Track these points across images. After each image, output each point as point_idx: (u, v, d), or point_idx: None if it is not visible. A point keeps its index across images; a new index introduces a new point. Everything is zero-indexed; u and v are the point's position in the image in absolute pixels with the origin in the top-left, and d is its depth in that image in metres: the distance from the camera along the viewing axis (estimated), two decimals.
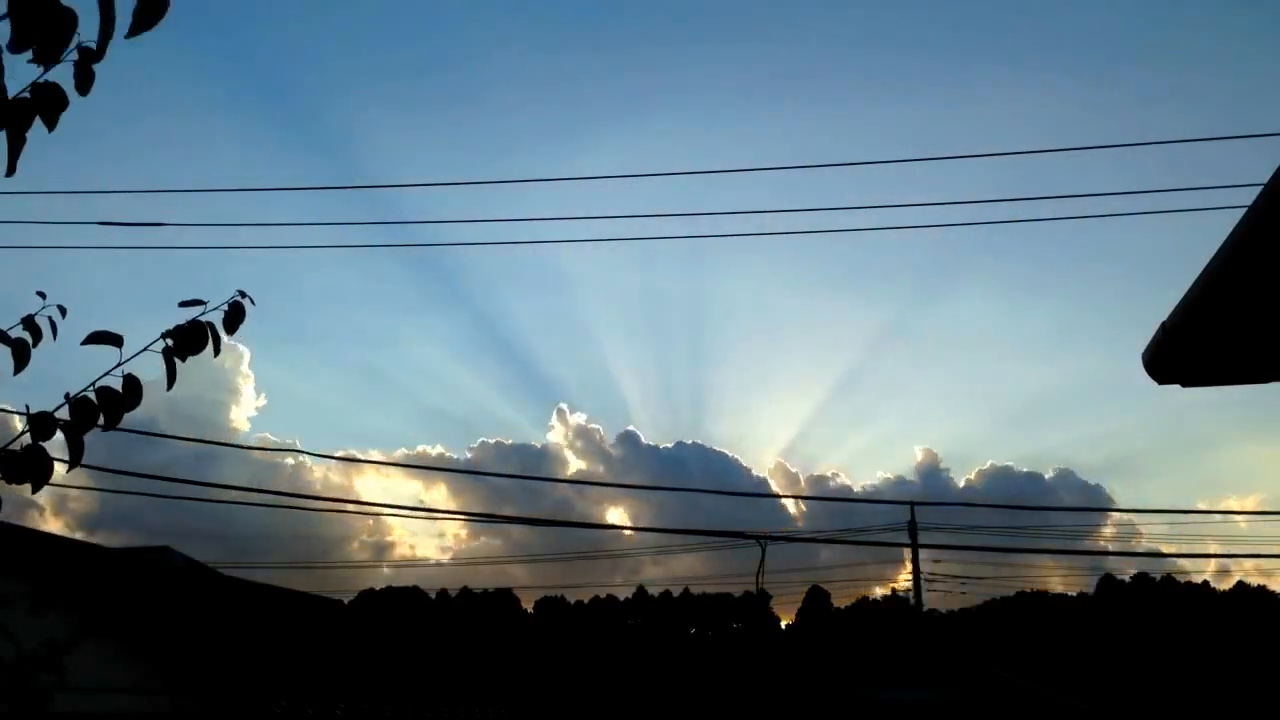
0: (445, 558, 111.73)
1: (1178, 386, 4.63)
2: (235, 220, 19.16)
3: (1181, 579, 78.94)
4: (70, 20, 1.68)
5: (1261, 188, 3.46)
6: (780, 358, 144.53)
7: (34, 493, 1.93)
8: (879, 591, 76.06)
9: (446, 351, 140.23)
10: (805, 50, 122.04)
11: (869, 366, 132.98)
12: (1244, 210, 3.57)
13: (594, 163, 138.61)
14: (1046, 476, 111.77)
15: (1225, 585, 77.39)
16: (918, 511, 33.81)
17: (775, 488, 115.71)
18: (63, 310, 2.04)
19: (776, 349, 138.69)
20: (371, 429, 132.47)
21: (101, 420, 1.98)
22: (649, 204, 29.62)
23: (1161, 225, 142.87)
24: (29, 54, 1.71)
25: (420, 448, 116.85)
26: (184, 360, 2.08)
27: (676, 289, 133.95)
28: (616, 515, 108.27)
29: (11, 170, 1.82)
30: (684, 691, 33.51)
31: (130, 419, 2.07)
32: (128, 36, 1.72)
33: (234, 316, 2.15)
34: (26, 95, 1.84)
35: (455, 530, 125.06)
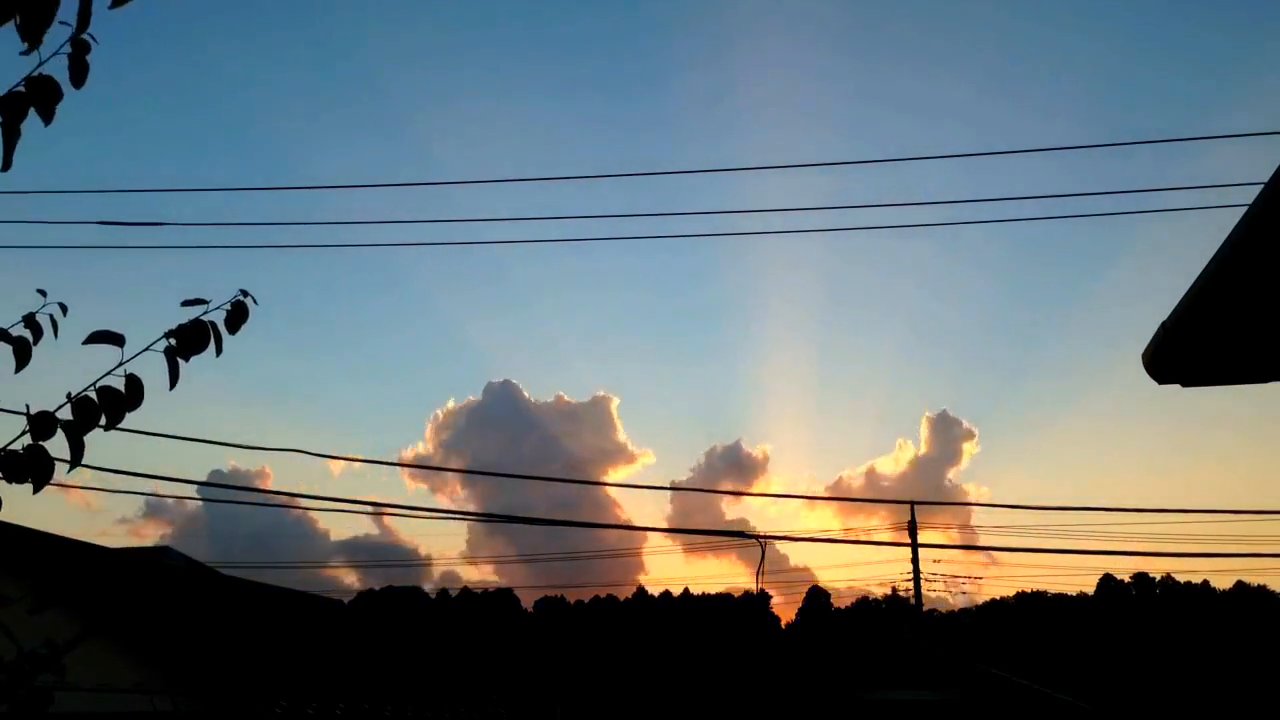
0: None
1: (1178, 386, 4.64)
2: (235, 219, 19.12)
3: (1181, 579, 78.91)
4: None
5: (1261, 188, 3.46)
6: None
7: (35, 492, 1.93)
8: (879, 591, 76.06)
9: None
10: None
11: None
12: (1244, 210, 3.57)
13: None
14: None
15: (1225, 585, 77.23)
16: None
17: None
18: (64, 308, 2.02)
19: None
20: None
21: (103, 420, 1.97)
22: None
23: (1162, 225, 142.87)
24: (23, 49, 1.71)
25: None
26: (186, 360, 2.07)
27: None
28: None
29: (6, 165, 1.81)
30: (684, 691, 33.52)
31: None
32: (111, 7, 1.71)
33: (236, 316, 2.14)
34: (21, 89, 1.82)
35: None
